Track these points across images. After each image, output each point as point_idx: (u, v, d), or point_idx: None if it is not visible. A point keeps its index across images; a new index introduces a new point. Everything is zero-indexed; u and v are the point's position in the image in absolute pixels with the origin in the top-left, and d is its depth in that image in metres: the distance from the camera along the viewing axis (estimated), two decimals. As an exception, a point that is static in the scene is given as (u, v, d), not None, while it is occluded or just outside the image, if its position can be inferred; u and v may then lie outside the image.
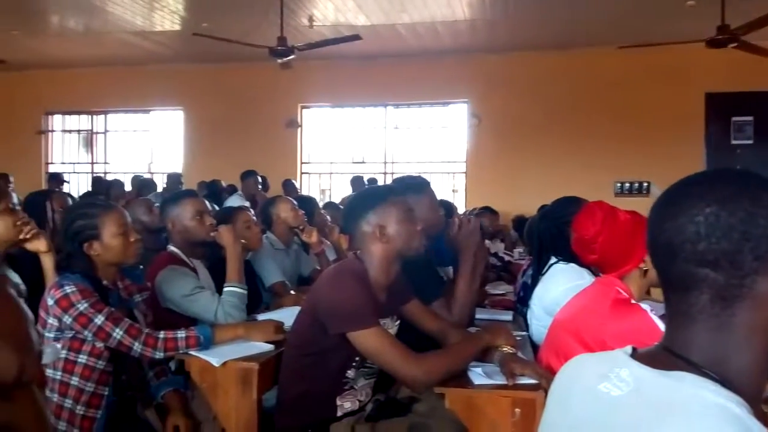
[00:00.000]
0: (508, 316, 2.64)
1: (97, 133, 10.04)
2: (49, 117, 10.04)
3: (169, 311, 2.29)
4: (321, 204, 4.65)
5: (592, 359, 0.82)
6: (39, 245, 2.10)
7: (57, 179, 8.00)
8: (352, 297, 1.69)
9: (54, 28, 7.55)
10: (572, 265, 2.24)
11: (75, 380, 1.76)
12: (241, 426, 1.87)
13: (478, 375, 1.72)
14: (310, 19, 6.76)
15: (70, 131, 10.18)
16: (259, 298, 2.84)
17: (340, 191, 8.77)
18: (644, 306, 1.63)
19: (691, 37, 5.53)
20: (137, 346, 1.81)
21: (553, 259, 2.35)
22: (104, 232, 1.87)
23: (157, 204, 3.27)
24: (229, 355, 1.91)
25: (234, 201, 6.05)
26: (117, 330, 1.78)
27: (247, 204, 4.90)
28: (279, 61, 6.27)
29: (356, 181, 7.61)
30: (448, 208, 4.24)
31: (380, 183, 7.35)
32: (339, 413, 1.80)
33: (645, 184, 7.90)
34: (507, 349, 1.79)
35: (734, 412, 0.62)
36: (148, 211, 3.25)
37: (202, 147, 9.20)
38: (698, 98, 7.69)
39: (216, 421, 1.93)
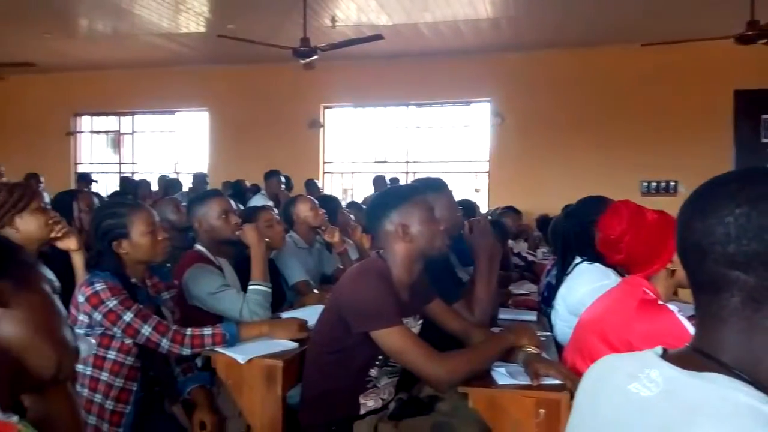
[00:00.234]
0: (532, 316, 2.63)
1: (124, 133, 10.23)
2: (78, 118, 10.25)
3: (195, 309, 2.32)
4: (344, 204, 4.67)
5: (621, 359, 0.82)
6: (69, 243, 2.15)
7: (86, 179, 8.15)
8: (376, 296, 1.70)
9: (83, 31, 7.71)
10: (597, 265, 2.21)
11: (104, 376, 1.80)
12: (266, 422, 1.89)
13: (501, 375, 1.71)
14: (333, 19, 6.79)
15: (98, 132, 10.39)
16: (282, 296, 2.87)
17: (361, 191, 8.80)
18: (671, 307, 1.61)
19: (719, 34, 5.42)
20: (165, 343, 1.84)
21: (578, 259, 2.33)
22: (133, 231, 1.90)
23: (184, 203, 3.32)
24: (254, 352, 1.94)
25: (257, 200, 6.11)
26: (145, 327, 1.81)
27: (271, 203, 4.94)
28: (302, 61, 6.30)
29: (378, 181, 7.63)
30: (471, 207, 4.23)
31: (402, 183, 7.34)
32: (362, 411, 1.81)
33: (672, 184, 7.77)
34: (531, 349, 1.78)
35: (766, 413, 0.62)
36: (175, 211, 3.30)
37: (227, 147, 9.31)
38: (727, 96, 7.54)
39: (241, 417, 1.96)
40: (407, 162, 9.10)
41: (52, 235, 2.10)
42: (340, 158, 9.38)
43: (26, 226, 2.02)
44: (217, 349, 1.94)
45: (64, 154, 10.06)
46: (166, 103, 9.62)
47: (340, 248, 3.33)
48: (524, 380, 1.68)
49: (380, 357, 1.79)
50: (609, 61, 7.73)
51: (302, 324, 2.11)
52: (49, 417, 0.92)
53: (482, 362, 1.72)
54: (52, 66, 8.79)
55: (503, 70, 8.15)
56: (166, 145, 10.07)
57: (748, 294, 0.69)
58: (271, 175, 6.98)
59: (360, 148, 9.29)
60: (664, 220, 1.68)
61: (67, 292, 1.92)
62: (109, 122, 10.29)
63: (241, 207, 3.87)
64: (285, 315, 2.42)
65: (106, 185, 9.76)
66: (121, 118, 10.17)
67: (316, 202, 3.44)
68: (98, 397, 1.79)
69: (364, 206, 4.91)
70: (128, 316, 1.79)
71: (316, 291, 2.92)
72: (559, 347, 2.15)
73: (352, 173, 9.36)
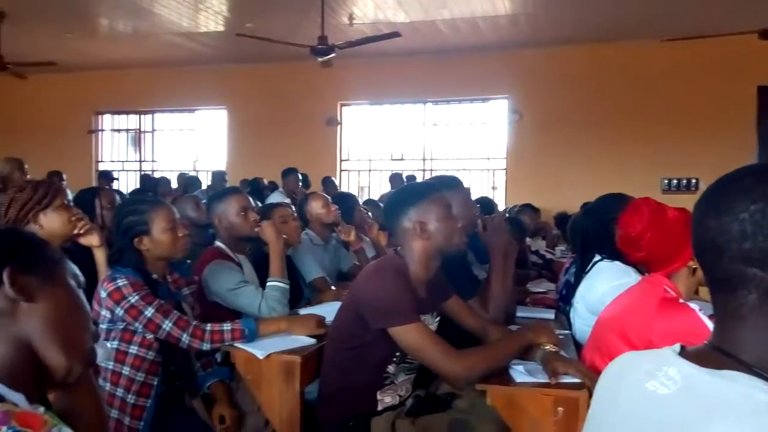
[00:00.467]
0: (550, 314, 2.61)
1: (144, 132, 10.35)
2: (99, 117, 10.40)
3: (215, 304, 2.35)
4: (360, 201, 4.68)
5: (639, 357, 0.81)
6: (92, 240, 2.18)
7: (107, 177, 8.27)
8: (393, 292, 1.70)
9: (104, 30, 7.81)
10: (617, 263, 2.19)
11: (126, 370, 1.83)
12: (284, 417, 1.91)
13: (519, 373, 1.71)
14: (351, 17, 6.79)
15: (119, 130, 10.52)
16: (300, 293, 2.89)
17: (378, 188, 8.80)
18: (693, 305, 1.59)
19: (741, 29, 5.33)
20: (185, 338, 1.87)
21: (597, 257, 2.31)
22: (154, 228, 1.93)
23: (204, 201, 3.35)
24: (273, 347, 1.95)
25: (275, 198, 6.13)
26: (166, 322, 1.84)
27: (288, 201, 4.97)
28: (319, 59, 6.33)
29: (395, 179, 7.63)
30: (489, 205, 4.22)
31: (419, 180, 7.34)
32: (379, 407, 1.82)
33: (693, 181, 7.66)
34: (550, 347, 1.77)
35: (787, 412, 0.61)
36: (195, 208, 3.34)
37: (245, 145, 9.38)
38: (750, 91, 7.40)
39: (260, 412, 1.98)
40: (424, 159, 9.09)
41: (75, 231, 2.13)
42: (357, 156, 9.40)
43: (50, 223, 2.06)
44: (236, 344, 1.97)
45: (86, 152, 10.21)
46: (186, 102, 9.72)
47: (356, 246, 3.34)
48: (542, 378, 1.67)
49: (398, 354, 1.79)
50: (629, 57, 7.64)
51: (320, 320, 2.13)
52: (74, 410, 0.93)
53: (500, 360, 1.72)
54: (74, 65, 8.92)
55: (521, 67, 8.10)
56: (185, 143, 10.17)
57: (765, 291, 0.68)
58: (289, 172, 7.02)
59: (377, 145, 9.30)
60: (685, 218, 1.66)
61: (89, 288, 1.95)
62: (129, 121, 10.42)
63: (260, 204, 3.90)
64: (303, 311, 2.43)
65: (126, 183, 9.91)
66: (142, 116, 10.30)
67: (329, 199, 3.45)
68: (120, 391, 1.81)
69: (380, 204, 4.91)
70: (149, 312, 1.81)
71: (333, 288, 2.93)
72: (578, 346, 2.13)
73: (369, 171, 9.38)
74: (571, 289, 2.50)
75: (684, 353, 0.75)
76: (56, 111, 9.83)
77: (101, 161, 10.41)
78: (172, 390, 1.95)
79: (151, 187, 6.98)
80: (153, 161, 10.30)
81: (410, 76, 8.47)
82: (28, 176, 4.22)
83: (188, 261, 2.50)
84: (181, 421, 1.93)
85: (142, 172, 9.89)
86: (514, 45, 7.83)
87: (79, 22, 7.28)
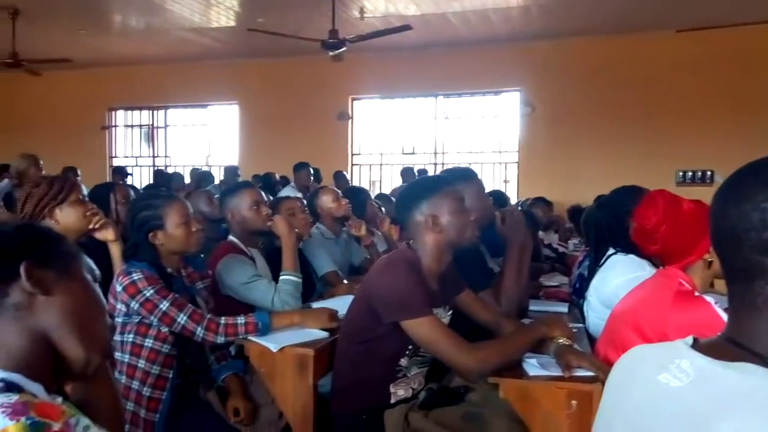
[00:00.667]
0: (563, 307, 2.60)
1: (157, 127, 10.43)
2: (112, 113, 10.48)
3: (228, 298, 2.36)
4: (372, 195, 4.68)
5: (651, 349, 0.81)
6: (107, 234, 2.21)
7: (121, 172, 8.35)
8: (406, 286, 1.71)
9: (117, 27, 7.87)
10: (631, 256, 2.18)
11: (142, 363, 1.85)
12: (298, 410, 1.92)
13: (533, 366, 1.71)
14: (361, 10, 6.78)
15: (132, 126, 10.60)
16: (312, 287, 2.90)
17: (389, 183, 8.80)
18: (708, 298, 1.58)
19: (759, 18, 5.25)
20: (200, 331, 1.89)
21: (611, 250, 2.29)
22: (168, 222, 1.95)
23: (217, 196, 3.37)
24: (286, 341, 1.97)
25: (287, 193, 6.16)
26: (181, 315, 1.86)
27: (300, 195, 4.98)
28: (330, 53, 6.32)
29: (406, 173, 7.62)
30: (502, 198, 4.20)
31: (430, 174, 7.32)
32: (392, 400, 1.83)
33: (708, 173, 7.58)
34: (563, 340, 1.76)
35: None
36: (208, 202, 3.36)
37: (257, 140, 9.41)
38: (765, 82, 7.27)
39: (274, 404, 2.00)
40: (435, 153, 9.06)
41: (90, 226, 2.16)
42: (368, 150, 9.40)
43: (65, 218, 2.09)
44: (250, 337, 1.98)
45: (99, 148, 10.31)
46: (198, 97, 9.77)
47: (367, 241, 3.34)
48: (556, 372, 1.67)
49: (410, 347, 1.79)
50: (642, 48, 7.55)
51: (333, 314, 2.14)
52: (91, 402, 0.95)
53: (513, 353, 1.72)
54: (87, 62, 8.99)
55: (533, 59, 8.03)
56: (197, 139, 10.23)
57: None
58: (301, 167, 7.04)
59: (388, 139, 9.29)
60: (701, 210, 1.64)
61: (104, 282, 1.98)
62: (142, 116, 10.50)
63: (271, 199, 3.91)
64: (315, 305, 2.44)
65: (140, 179, 9.99)
66: (154, 112, 10.36)
67: (340, 193, 3.45)
68: (136, 384, 1.83)
69: (392, 198, 4.91)
70: (164, 305, 1.83)
71: (345, 281, 2.94)
72: (592, 339, 2.13)
73: (380, 165, 9.37)
74: (584, 282, 2.49)
75: (697, 345, 0.74)
76: (70, 107, 9.93)
77: (115, 157, 10.50)
78: (186, 383, 1.97)
79: (164, 182, 7.03)
80: (166, 157, 10.37)
81: (421, 70, 8.44)
82: (44, 172, 4.27)
83: (202, 255, 2.52)
84: (196, 413, 1.95)
85: (156, 168, 9.96)
86: (526, 37, 7.77)
87: (93, 19, 7.33)
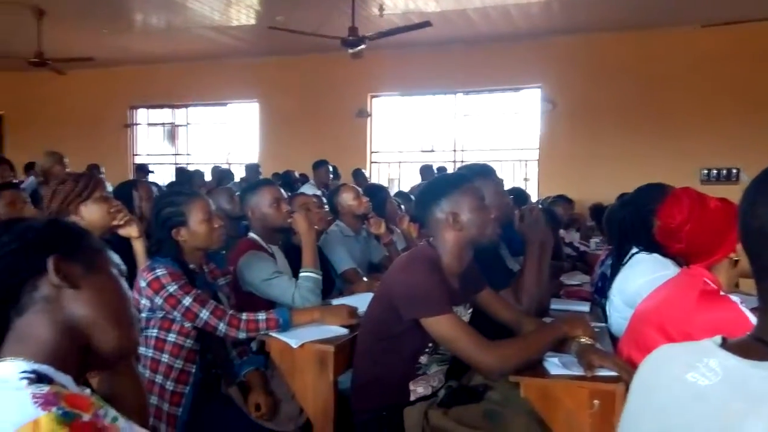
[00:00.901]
0: (585, 307, 2.58)
1: (179, 125, 10.54)
2: (134, 111, 10.63)
3: (249, 294, 2.38)
4: (391, 193, 4.67)
5: (679, 348, 0.80)
6: (131, 231, 2.24)
7: (143, 170, 8.45)
8: (426, 283, 1.71)
9: (138, 25, 7.97)
10: (655, 255, 2.15)
11: (165, 357, 1.87)
12: (318, 405, 1.94)
13: (554, 365, 1.69)
14: (381, 7, 6.77)
15: (154, 124, 10.73)
16: (331, 283, 2.91)
17: (408, 180, 8.79)
18: (734, 298, 1.55)
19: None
20: (222, 327, 1.91)
21: (635, 249, 2.26)
22: (191, 219, 1.97)
23: (238, 193, 3.39)
24: (307, 337, 1.98)
25: (306, 190, 6.18)
26: (203, 311, 1.88)
27: (319, 193, 5.00)
28: (350, 51, 6.33)
29: (425, 170, 7.60)
30: (522, 196, 4.17)
31: (449, 171, 7.29)
32: (412, 398, 1.82)
33: (734, 171, 7.44)
34: (585, 340, 1.74)
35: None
36: (230, 200, 3.38)
37: (277, 137, 9.47)
38: (794, 78, 7.15)
39: (294, 399, 2.01)
40: (455, 151, 9.03)
41: (115, 222, 2.19)
42: (387, 147, 9.39)
43: (90, 214, 2.12)
44: (270, 333, 2.00)
45: (122, 146, 10.46)
46: (219, 95, 9.85)
47: (387, 239, 3.35)
48: (577, 371, 1.66)
49: (430, 344, 1.79)
50: (666, 43, 7.43)
51: (352, 310, 2.15)
52: (116, 395, 0.96)
53: (534, 351, 1.71)
54: (110, 61, 9.13)
55: (554, 55, 7.95)
56: (218, 137, 10.32)
57: None
58: (320, 164, 7.06)
59: (407, 137, 9.28)
60: (727, 208, 1.61)
61: (129, 278, 2.01)
62: (164, 115, 10.62)
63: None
64: (335, 302, 2.46)
65: (162, 176, 10.11)
66: (176, 110, 10.48)
67: (360, 190, 3.46)
68: (159, 378, 1.86)
69: (411, 196, 4.90)
70: (187, 301, 1.85)
71: (365, 279, 2.94)
72: (614, 339, 2.10)
73: (399, 162, 9.37)
74: (607, 281, 2.46)
75: (726, 345, 0.73)
76: (93, 105, 10.09)
77: (137, 155, 10.64)
78: (209, 377, 1.99)
79: (185, 180, 7.10)
80: (188, 154, 10.48)
81: (441, 66, 8.41)
82: (68, 169, 4.34)
83: (223, 252, 2.54)
84: (218, 408, 1.97)
85: (177, 166, 10.07)
86: (547, 32, 7.69)
87: (115, 18, 7.44)
